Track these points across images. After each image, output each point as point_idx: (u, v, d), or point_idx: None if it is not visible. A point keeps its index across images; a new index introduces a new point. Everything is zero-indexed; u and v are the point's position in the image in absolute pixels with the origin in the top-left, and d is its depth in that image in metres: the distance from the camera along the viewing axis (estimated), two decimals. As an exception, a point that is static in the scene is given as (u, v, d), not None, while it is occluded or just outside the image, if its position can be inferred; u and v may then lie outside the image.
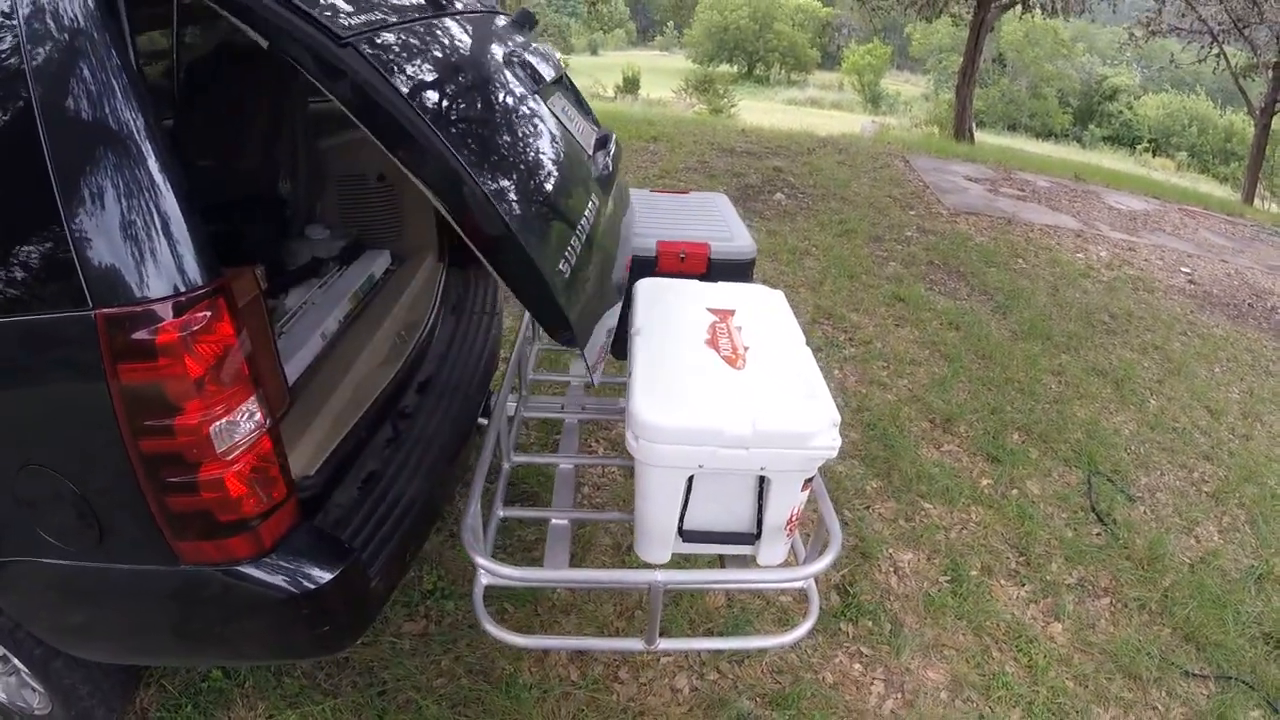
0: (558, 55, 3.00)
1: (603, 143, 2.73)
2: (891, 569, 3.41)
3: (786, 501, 1.92)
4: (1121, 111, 47.36)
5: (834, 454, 1.84)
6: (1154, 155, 40.55)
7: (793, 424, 1.80)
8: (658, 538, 2.04)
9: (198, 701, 2.56)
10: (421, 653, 2.82)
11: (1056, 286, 6.61)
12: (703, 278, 2.75)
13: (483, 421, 2.86)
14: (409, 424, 2.61)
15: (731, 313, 2.25)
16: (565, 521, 2.41)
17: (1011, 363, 5.15)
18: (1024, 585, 3.41)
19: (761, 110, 29.64)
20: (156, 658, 2.35)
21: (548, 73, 2.57)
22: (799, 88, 58.93)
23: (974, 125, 16.91)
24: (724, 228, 2.96)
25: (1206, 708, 2.98)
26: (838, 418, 1.85)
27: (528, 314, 2.97)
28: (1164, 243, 8.69)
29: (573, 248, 1.97)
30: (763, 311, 2.31)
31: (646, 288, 2.42)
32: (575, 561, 3.20)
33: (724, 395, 1.87)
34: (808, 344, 2.20)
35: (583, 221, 2.13)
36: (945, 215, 8.11)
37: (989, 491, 3.96)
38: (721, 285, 2.46)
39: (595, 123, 2.97)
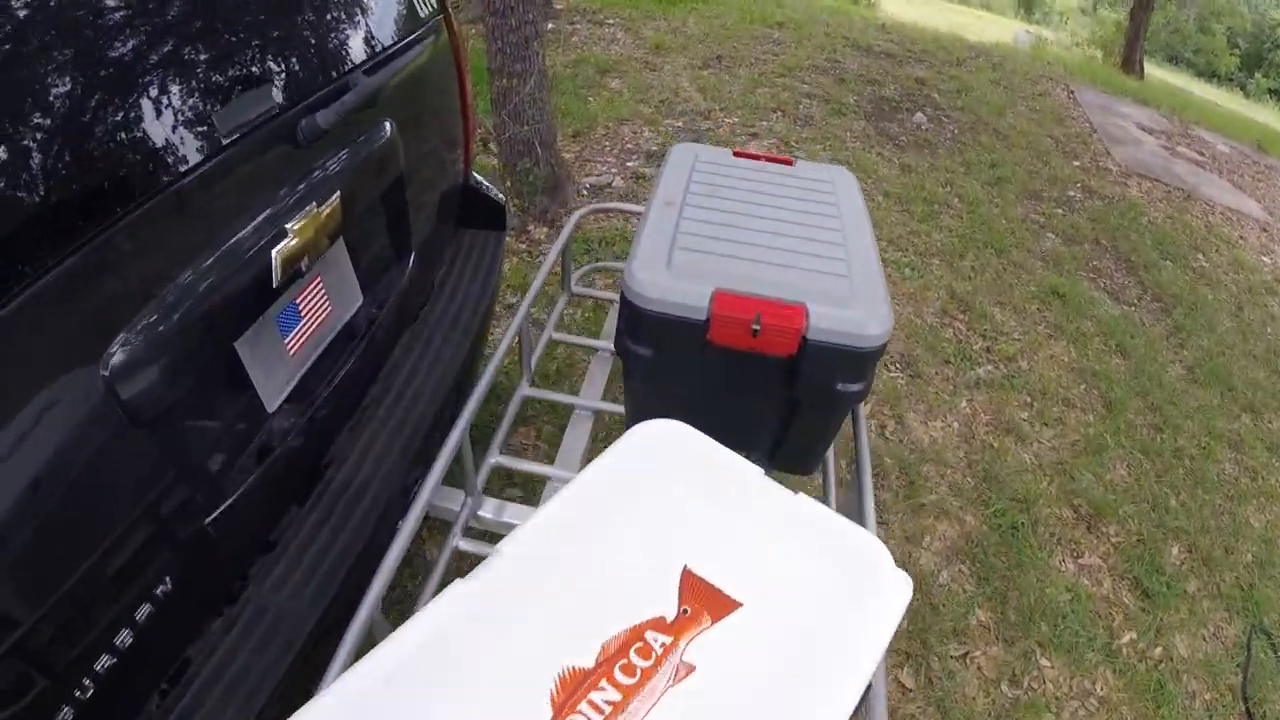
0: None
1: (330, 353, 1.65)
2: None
3: None
4: (1294, 65, 42.29)
5: None
6: (1326, 121, 36.25)
7: None
8: None
9: None
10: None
11: (1241, 303, 4.99)
12: (791, 363, 1.47)
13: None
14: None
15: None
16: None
17: (1185, 423, 3.68)
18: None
19: (904, 2, 26.85)
20: None
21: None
22: (949, -20, 54.11)
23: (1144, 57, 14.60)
24: (841, 264, 1.61)
25: None
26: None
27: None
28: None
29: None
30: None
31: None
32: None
33: None
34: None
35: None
36: (1114, 173, 6.41)
37: (1128, 650, 2.65)
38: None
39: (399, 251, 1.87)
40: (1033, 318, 4.10)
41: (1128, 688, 2.53)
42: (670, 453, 1.15)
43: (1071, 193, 5.71)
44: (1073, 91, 8.52)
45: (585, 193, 4.36)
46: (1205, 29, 40.61)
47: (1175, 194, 6.46)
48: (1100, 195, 5.81)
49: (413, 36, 1.78)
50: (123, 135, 1.06)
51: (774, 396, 1.60)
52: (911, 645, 2.47)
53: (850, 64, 7.17)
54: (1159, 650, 2.69)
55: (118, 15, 1.11)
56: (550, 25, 6.68)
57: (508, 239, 3.84)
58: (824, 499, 1.79)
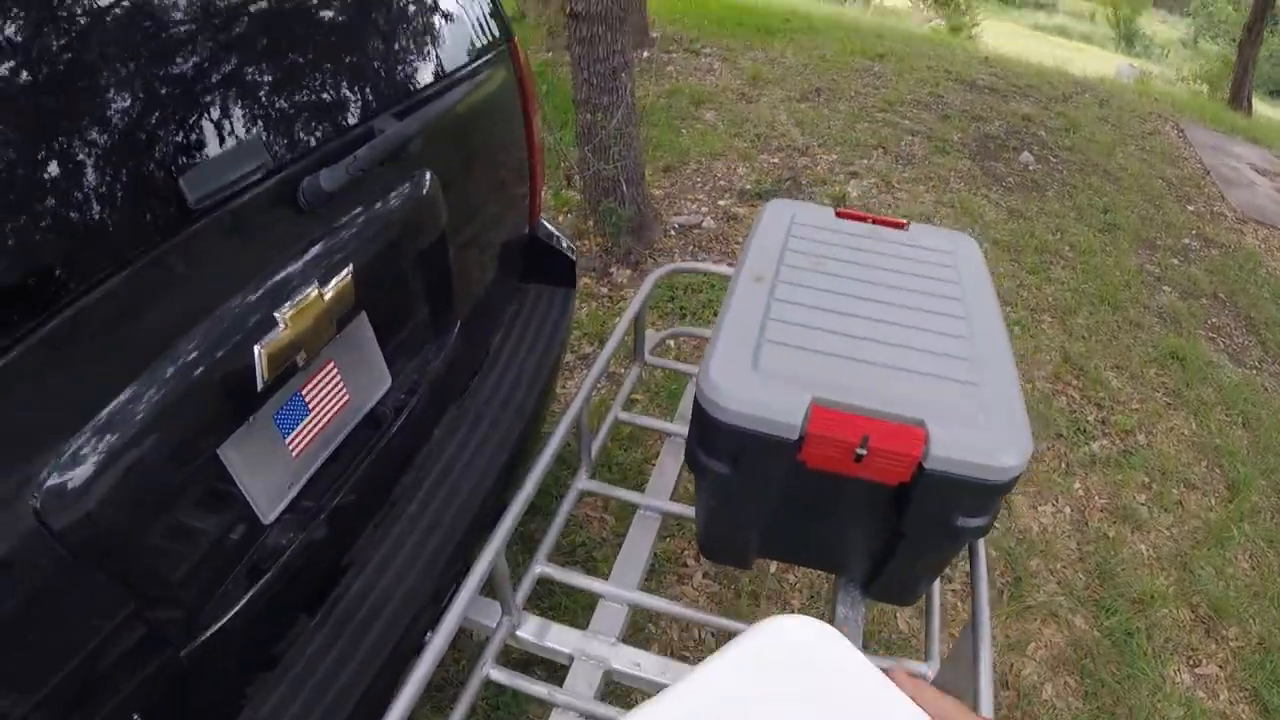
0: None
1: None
2: None
3: None
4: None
5: None
6: None
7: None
8: None
9: None
10: None
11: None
12: (901, 492, 1.18)
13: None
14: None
15: None
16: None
17: (1314, 508, 3.23)
18: None
19: (1005, 34, 25.79)
20: None
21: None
22: (1047, 12, 52.04)
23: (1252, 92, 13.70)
24: (968, 367, 1.29)
25: None
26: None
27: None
28: None
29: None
30: None
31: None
32: None
33: None
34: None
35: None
36: (1230, 219, 5.86)
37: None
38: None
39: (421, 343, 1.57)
40: (1151, 383, 3.66)
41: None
42: (803, 678, 0.74)
43: (1187, 241, 5.21)
44: (1182, 130, 7.93)
45: (673, 233, 4.07)
46: (1314, 64, 38.46)
47: (1294, 244, 5.89)
48: (1217, 244, 5.29)
49: (465, 71, 1.51)
50: (56, 207, 0.81)
51: (874, 525, 1.29)
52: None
53: (953, 99, 6.75)
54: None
55: (45, 36, 0.85)
56: (645, 54, 6.42)
57: (587, 281, 3.57)
58: (927, 636, 1.47)
